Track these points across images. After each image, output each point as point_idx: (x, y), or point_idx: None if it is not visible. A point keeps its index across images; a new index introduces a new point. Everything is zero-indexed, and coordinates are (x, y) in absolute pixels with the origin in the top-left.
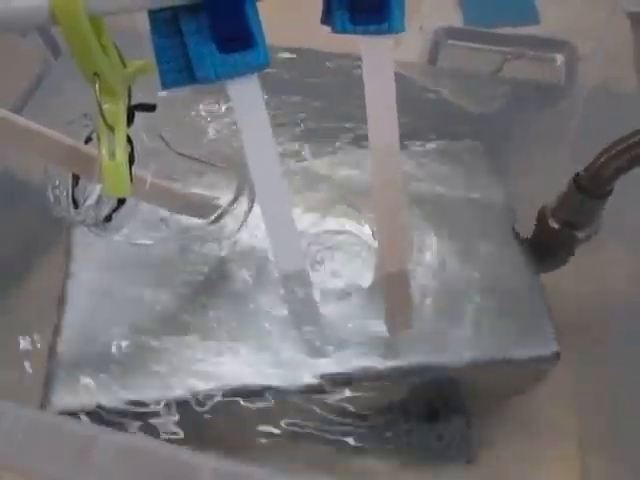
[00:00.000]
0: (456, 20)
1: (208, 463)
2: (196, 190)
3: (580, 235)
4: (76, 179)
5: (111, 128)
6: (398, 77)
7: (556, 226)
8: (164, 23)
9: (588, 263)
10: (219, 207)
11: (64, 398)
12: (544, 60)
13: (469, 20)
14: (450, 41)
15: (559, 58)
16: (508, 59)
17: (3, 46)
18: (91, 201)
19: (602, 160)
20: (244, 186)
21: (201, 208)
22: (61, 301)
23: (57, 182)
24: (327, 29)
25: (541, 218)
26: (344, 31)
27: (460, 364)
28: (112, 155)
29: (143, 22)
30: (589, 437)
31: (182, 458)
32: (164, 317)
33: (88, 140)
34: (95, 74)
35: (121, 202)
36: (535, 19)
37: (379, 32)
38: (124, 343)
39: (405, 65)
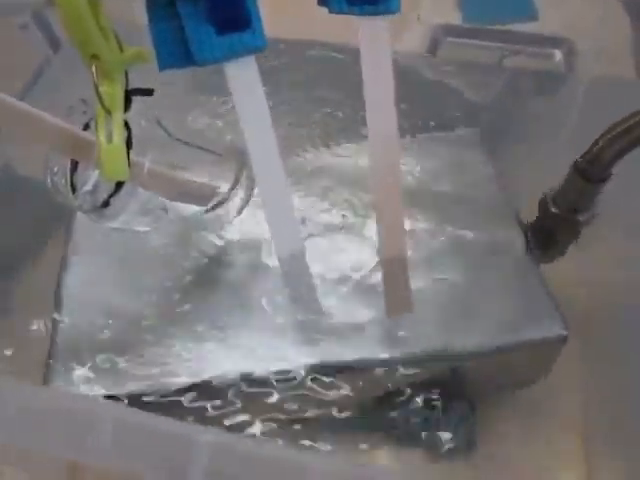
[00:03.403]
0: (455, 18)
1: (206, 436)
2: (195, 177)
3: (581, 219)
4: (75, 165)
5: (108, 111)
6: (396, 66)
7: (557, 211)
8: (161, 6)
9: (592, 254)
10: (218, 194)
11: (62, 386)
12: (543, 56)
13: (468, 18)
14: (449, 38)
15: (557, 54)
16: (506, 56)
17: (2, 39)
18: (88, 186)
19: (601, 144)
20: (243, 173)
21: (200, 195)
22: (59, 288)
23: (56, 169)
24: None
25: (543, 204)
26: (340, 11)
27: (462, 350)
28: (110, 139)
29: (142, 15)
30: (595, 433)
31: (181, 431)
32: (162, 304)
33: (86, 127)
34: (93, 56)
35: (118, 187)
36: (533, 16)
37: (375, 12)
38: (121, 331)
39: (404, 54)
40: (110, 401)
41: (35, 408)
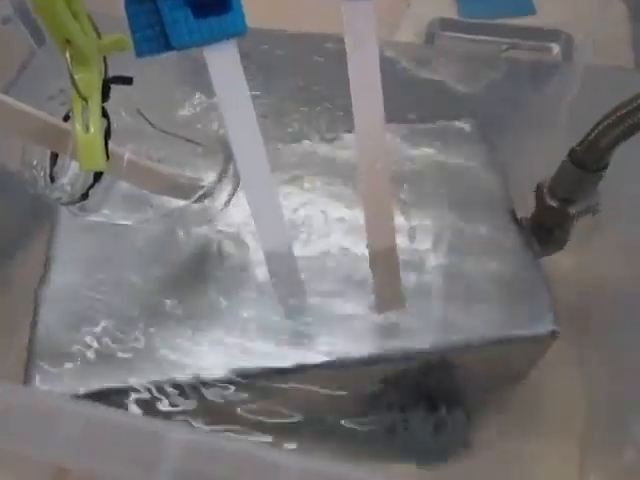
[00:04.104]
0: (452, 13)
1: (179, 434)
2: (178, 169)
3: (575, 210)
4: (54, 157)
5: (85, 99)
6: (392, 57)
7: (554, 204)
8: None
9: (588, 247)
10: (202, 187)
11: (43, 384)
12: (540, 50)
13: (464, 13)
14: (445, 33)
15: (555, 47)
16: (503, 50)
17: None
18: (66, 178)
19: (597, 131)
20: (229, 165)
21: (184, 189)
22: (42, 284)
23: (35, 161)
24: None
25: (539, 195)
26: None
27: (456, 345)
28: (87, 128)
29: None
30: (591, 433)
31: (153, 429)
32: (147, 301)
33: (67, 118)
34: (66, 41)
35: (97, 178)
36: (531, 10)
37: None
38: (104, 328)
39: (399, 45)
40: (79, 398)
41: (3, 406)
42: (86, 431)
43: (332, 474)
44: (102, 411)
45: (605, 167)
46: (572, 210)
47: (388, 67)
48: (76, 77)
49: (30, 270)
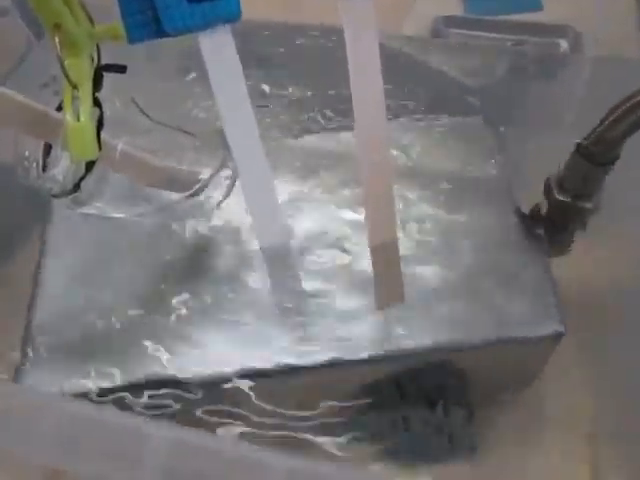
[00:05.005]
0: (456, 11)
1: (165, 432)
2: (175, 162)
3: (588, 205)
4: (48, 148)
5: (75, 86)
6: (398, 51)
7: (564, 199)
8: None
9: (593, 247)
10: (199, 181)
11: (36, 380)
12: (548, 46)
13: (471, 11)
14: (451, 30)
15: (563, 43)
16: (511, 46)
17: None
18: (58, 169)
19: (605, 125)
20: (227, 158)
21: (180, 182)
22: (36, 279)
23: (27, 153)
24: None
25: (547, 191)
26: None
27: (460, 344)
28: (77, 117)
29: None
30: (598, 434)
31: (138, 427)
32: (141, 296)
33: (60, 108)
34: (55, 26)
35: (89, 169)
36: (538, 5)
37: None
38: (99, 324)
39: (404, 39)
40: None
41: None
42: (72, 429)
43: (318, 474)
44: (88, 409)
45: (614, 160)
46: (582, 205)
47: (394, 61)
48: (66, 63)
49: (29, 268)
